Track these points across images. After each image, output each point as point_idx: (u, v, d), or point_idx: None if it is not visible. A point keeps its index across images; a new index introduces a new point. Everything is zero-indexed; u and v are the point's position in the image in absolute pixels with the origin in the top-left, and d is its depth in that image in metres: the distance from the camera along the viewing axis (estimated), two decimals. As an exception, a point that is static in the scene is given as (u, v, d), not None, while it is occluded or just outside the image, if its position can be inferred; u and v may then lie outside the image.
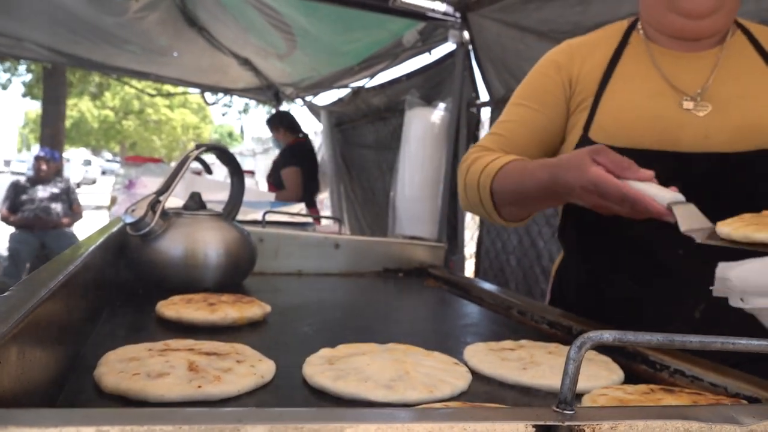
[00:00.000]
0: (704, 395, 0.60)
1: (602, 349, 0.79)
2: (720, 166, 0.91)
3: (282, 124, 4.35)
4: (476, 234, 3.17)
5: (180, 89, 7.28)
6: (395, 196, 3.38)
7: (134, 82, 7.60)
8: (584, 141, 0.97)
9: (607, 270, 1.01)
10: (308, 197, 4.12)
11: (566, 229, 1.10)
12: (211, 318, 0.81)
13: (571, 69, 1.04)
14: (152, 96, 9.54)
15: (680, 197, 0.70)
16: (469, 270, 3.29)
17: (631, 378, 0.71)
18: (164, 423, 0.25)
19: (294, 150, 4.29)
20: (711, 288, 0.75)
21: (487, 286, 1.25)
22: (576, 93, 1.03)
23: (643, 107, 0.96)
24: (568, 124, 1.04)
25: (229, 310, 0.83)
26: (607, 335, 0.30)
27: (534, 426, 0.29)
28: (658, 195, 0.70)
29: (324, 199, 5.99)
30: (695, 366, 0.71)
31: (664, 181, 0.93)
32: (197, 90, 6.58)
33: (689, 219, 0.68)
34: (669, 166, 0.92)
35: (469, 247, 3.37)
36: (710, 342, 0.31)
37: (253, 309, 0.86)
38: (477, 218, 3.14)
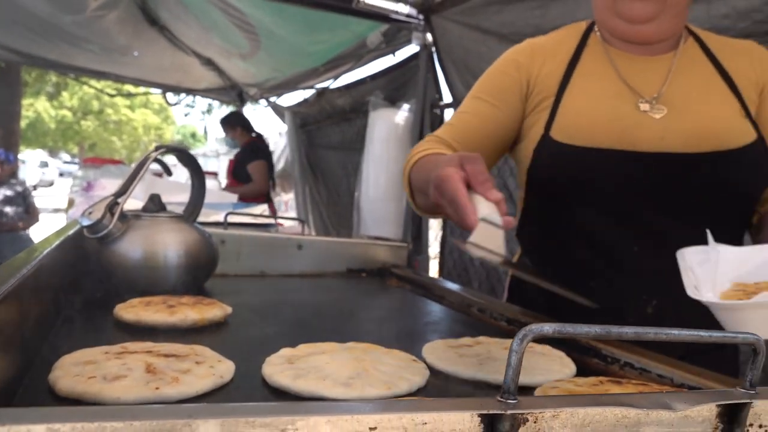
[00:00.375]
0: (650, 386, 0.62)
1: (558, 344, 0.82)
2: (675, 166, 0.94)
3: (239, 123, 4.54)
4: (440, 234, 3.20)
5: (141, 89, 7.15)
6: (360, 196, 3.39)
7: (93, 82, 7.44)
8: (546, 140, 1.00)
9: (563, 268, 1.04)
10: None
11: (524, 228, 1.13)
12: (171, 320, 0.81)
13: (531, 69, 1.06)
14: (112, 96, 9.33)
15: (497, 219, 0.68)
16: (434, 270, 3.32)
17: (584, 371, 0.73)
18: (115, 420, 0.25)
19: (255, 146, 4.46)
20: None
21: (449, 285, 1.27)
22: (535, 93, 1.05)
23: (602, 108, 0.99)
24: (526, 122, 1.07)
25: (189, 312, 0.83)
26: (548, 327, 0.32)
27: (479, 415, 0.31)
28: (481, 210, 0.69)
29: (289, 200, 5.96)
30: (644, 358, 0.73)
31: (623, 180, 0.95)
32: (159, 90, 6.47)
33: (485, 236, 0.67)
34: (627, 164, 0.95)
35: (434, 248, 3.41)
36: (644, 333, 0.33)
37: (214, 310, 0.86)
38: (441, 218, 3.17)
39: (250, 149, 4.40)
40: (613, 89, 1.00)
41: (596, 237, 1.00)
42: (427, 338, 0.87)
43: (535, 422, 0.33)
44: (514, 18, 2.40)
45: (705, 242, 0.82)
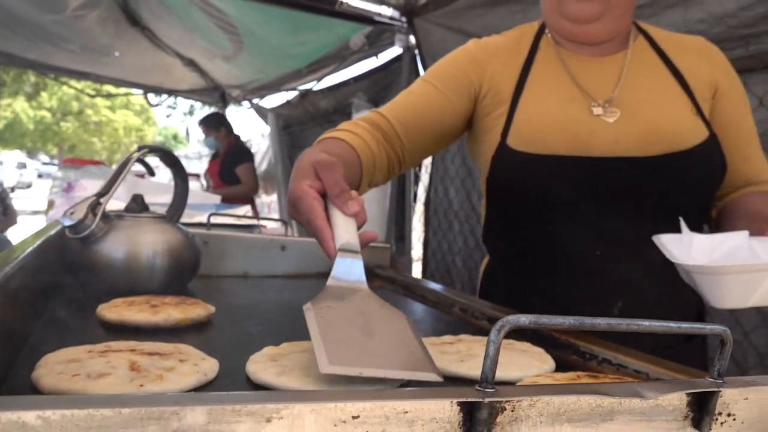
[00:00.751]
0: (626, 380, 0.64)
1: (537, 341, 0.83)
2: (630, 170, 0.96)
3: (223, 124, 4.52)
4: (423, 236, 3.22)
5: (122, 90, 7.08)
6: (343, 198, 3.39)
7: (73, 82, 7.34)
8: (502, 148, 1.01)
9: (530, 272, 1.05)
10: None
11: (489, 232, 1.14)
12: (154, 319, 0.81)
13: (486, 66, 1.06)
14: (92, 96, 9.22)
15: (354, 245, 0.65)
16: (417, 271, 3.34)
17: (563, 367, 0.74)
18: (104, 407, 0.26)
19: (240, 148, 4.50)
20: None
21: (431, 285, 1.28)
22: (489, 95, 1.05)
23: (556, 113, 0.99)
24: (481, 125, 1.07)
25: (172, 311, 0.83)
26: (524, 318, 0.33)
27: (458, 404, 0.32)
28: (340, 235, 0.65)
29: (271, 202, 5.94)
30: (620, 354, 0.75)
31: (580, 186, 0.97)
32: (140, 91, 6.42)
33: (345, 269, 0.65)
34: (584, 171, 0.97)
35: (417, 249, 3.42)
36: (617, 324, 0.34)
37: (197, 310, 0.86)
38: (424, 220, 3.19)
39: (236, 151, 4.40)
40: (567, 94, 1.01)
41: (559, 242, 1.00)
42: (410, 336, 0.88)
43: (512, 411, 0.34)
44: (497, 21, 2.42)
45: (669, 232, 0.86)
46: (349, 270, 0.64)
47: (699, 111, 1.00)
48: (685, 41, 1.08)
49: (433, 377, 0.52)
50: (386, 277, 1.39)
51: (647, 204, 0.96)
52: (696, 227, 1.02)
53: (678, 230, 0.87)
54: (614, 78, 1.02)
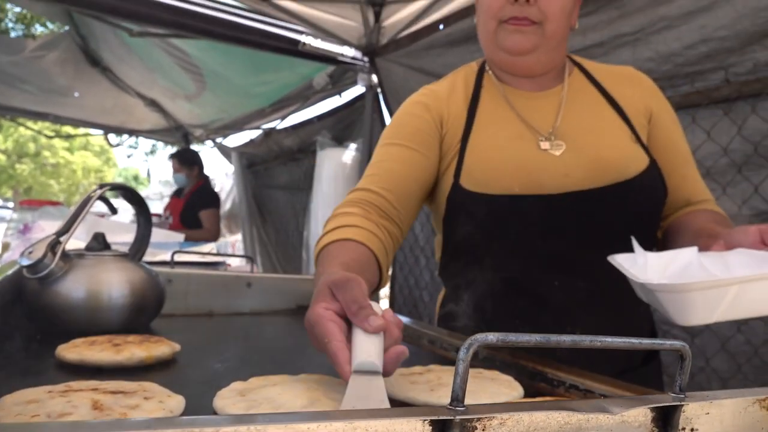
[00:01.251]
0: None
1: (506, 369, 0.84)
2: (581, 202, 0.99)
3: (197, 163, 4.39)
4: (390, 271, 3.22)
5: (81, 130, 6.98)
6: (309, 235, 3.39)
7: (30, 123, 7.20)
8: (456, 189, 1.03)
9: (488, 305, 1.05)
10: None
11: (445, 269, 1.14)
12: (117, 358, 0.79)
13: (439, 108, 1.08)
14: (50, 138, 9.05)
15: (373, 364, 0.57)
16: (385, 306, 3.33)
17: (532, 394, 0.75)
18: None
19: (207, 191, 4.41)
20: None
21: (400, 318, 1.28)
22: (447, 134, 1.07)
23: (506, 151, 1.02)
24: (440, 167, 1.08)
25: (135, 349, 0.81)
26: (492, 336, 0.34)
27: (430, 422, 0.32)
28: (356, 355, 0.59)
29: (236, 242, 5.87)
30: (587, 379, 0.76)
31: (534, 222, 0.99)
32: (100, 131, 6.34)
33: (358, 393, 0.55)
34: (537, 207, 0.99)
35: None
36: (580, 340, 0.35)
37: (162, 348, 0.84)
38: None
39: (204, 193, 4.31)
40: (514, 131, 1.04)
41: (516, 276, 1.02)
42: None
43: (483, 429, 0.34)
44: (456, 60, 2.49)
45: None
46: (367, 393, 0.55)
47: (638, 139, 1.05)
48: (616, 71, 1.14)
49: None
50: (354, 311, 1.39)
51: (599, 233, 0.99)
52: (646, 249, 1.06)
53: (630, 249, 0.90)
54: (555, 110, 1.06)
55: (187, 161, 4.35)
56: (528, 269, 1.01)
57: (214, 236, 4.13)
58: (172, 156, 4.50)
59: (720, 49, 1.64)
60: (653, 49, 1.76)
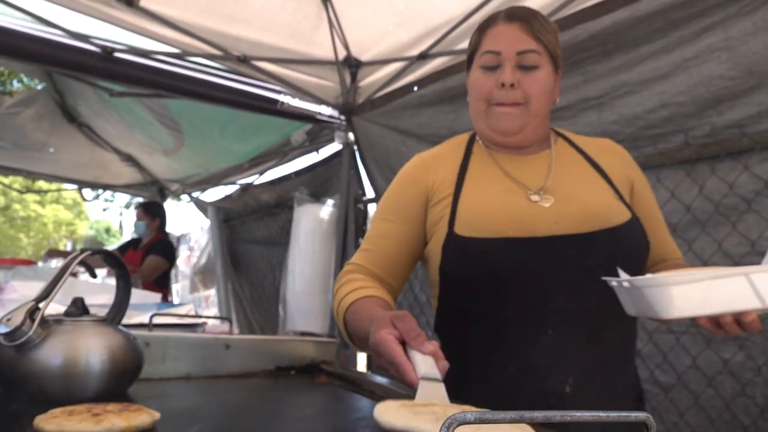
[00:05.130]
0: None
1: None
2: (571, 246, 1.05)
3: (159, 216, 4.42)
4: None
5: (54, 185, 6.93)
6: (286, 291, 3.38)
7: (0, 177, 7.13)
8: (451, 236, 1.09)
9: (481, 356, 1.09)
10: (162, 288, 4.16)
11: (442, 324, 1.19)
12: (97, 429, 0.78)
13: (426, 180, 1.18)
14: (22, 193, 8.94)
15: (435, 374, 0.77)
16: (363, 362, 3.30)
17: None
18: None
19: (165, 243, 4.40)
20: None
21: (378, 379, 1.29)
22: (434, 196, 1.16)
23: (497, 201, 1.09)
24: (429, 221, 1.16)
25: (115, 419, 0.81)
26: (469, 415, 0.36)
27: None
28: (420, 367, 0.78)
29: (210, 296, 5.81)
30: (563, 442, 0.78)
31: (527, 264, 1.04)
32: (74, 186, 6.30)
33: (428, 393, 0.75)
34: (530, 249, 1.05)
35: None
36: (552, 416, 0.38)
37: (142, 417, 0.84)
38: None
39: (163, 245, 4.32)
40: (504, 186, 1.12)
41: (512, 324, 1.06)
42: (359, 434, 0.88)
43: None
44: (430, 120, 2.58)
45: (612, 310, 0.95)
46: (433, 392, 0.73)
47: (621, 197, 1.13)
48: (596, 142, 1.24)
49: None
50: (332, 372, 1.39)
51: (588, 278, 1.04)
52: None
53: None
54: (544, 171, 1.14)
55: (150, 211, 4.40)
56: (522, 317, 1.06)
57: (145, 278, 4.00)
58: (139, 205, 4.58)
59: (679, 113, 1.74)
60: (617, 113, 1.86)
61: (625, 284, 0.89)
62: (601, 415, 0.40)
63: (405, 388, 1.14)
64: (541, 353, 1.04)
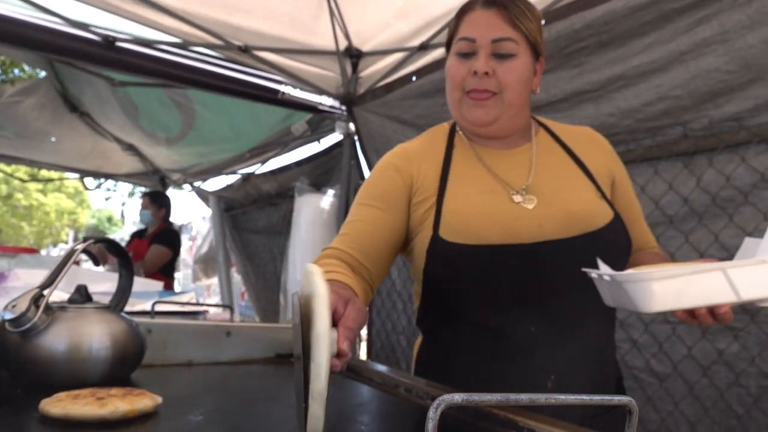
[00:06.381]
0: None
1: (477, 418, 0.87)
2: (554, 251, 1.05)
3: (165, 206, 4.43)
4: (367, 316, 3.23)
5: (56, 174, 6.94)
6: (286, 280, 3.41)
7: (2, 166, 7.15)
8: (435, 240, 1.08)
9: (464, 353, 1.10)
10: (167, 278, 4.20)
11: (423, 317, 1.19)
12: (101, 412, 0.80)
13: (410, 170, 1.15)
14: (24, 182, 8.96)
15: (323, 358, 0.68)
16: (363, 351, 3.33)
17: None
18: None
19: (170, 232, 4.41)
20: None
21: (377, 366, 1.31)
22: (418, 193, 1.13)
23: (481, 205, 1.08)
24: (414, 220, 1.14)
25: (119, 403, 0.83)
26: (457, 397, 0.38)
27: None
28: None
29: (212, 285, 5.84)
30: (556, 428, 0.80)
31: (511, 270, 1.04)
32: (76, 175, 6.31)
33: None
34: (513, 256, 1.05)
35: (362, 329, 3.42)
36: (536, 398, 0.40)
37: (144, 401, 0.86)
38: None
39: (167, 235, 4.34)
40: (487, 186, 1.11)
41: (494, 323, 1.06)
42: (356, 419, 0.91)
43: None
44: (428, 111, 2.59)
45: (592, 309, 0.95)
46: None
47: (603, 195, 1.13)
48: (577, 131, 1.23)
49: None
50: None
51: (571, 281, 1.04)
52: None
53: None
54: (526, 167, 1.13)
55: (156, 201, 4.42)
56: (504, 316, 1.06)
57: (149, 270, 4.01)
58: (145, 194, 4.60)
59: (676, 106, 1.74)
60: (615, 106, 1.87)
61: (606, 278, 0.90)
62: (585, 398, 0.42)
63: (402, 375, 1.16)
64: (522, 351, 1.05)
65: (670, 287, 0.83)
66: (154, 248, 4.15)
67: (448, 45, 1.17)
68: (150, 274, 3.82)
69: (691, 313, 0.88)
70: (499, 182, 1.11)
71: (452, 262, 1.06)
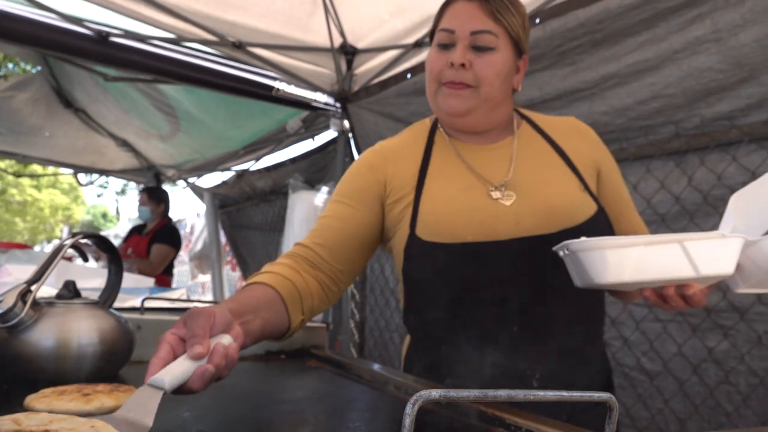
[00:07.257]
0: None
1: (463, 414, 0.87)
2: (532, 248, 1.03)
3: (164, 201, 4.40)
4: (359, 315, 3.23)
5: (50, 170, 6.91)
6: (280, 277, 3.39)
7: (-4, 161, 7.12)
8: (412, 239, 1.07)
9: (450, 352, 1.09)
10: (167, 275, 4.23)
11: (408, 315, 1.18)
12: (87, 408, 0.80)
13: (385, 169, 1.14)
14: (17, 176, 8.91)
15: (164, 383, 0.71)
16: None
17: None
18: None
19: (170, 229, 4.38)
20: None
21: (367, 364, 1.31)
22: (393, 192, 1.12)
23: (458, 202, 1.07)
24: (391, 219, 1.13)
25: (105, 399, 0.82)
26: (435, 393, 0.38)
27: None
28: (161, 372, 0.73)
29: (206, 282, 5.82)
30: (541, 424, 0.80)
31: (488, 268, 1.03)
32: (70, 170, 6.28)
33: (136, 402, 0.70)
34: (491, 254, 1.03)
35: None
36: (515, 394, 0.40)
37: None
38: (360, 298, 3.22)
39: (167, 232, 4.31)
40: (465, 182, 1.09)
41: (476, 322, 1.05)
42: (346, 416, 0.90)
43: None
44: (422, 108, 2.59)
45: (574, 306, 0.94)
46: (143, 404, 0.69)
47: (586, 187, 1.10)
48: (561, 123, 1.20)
49: None
50: (322, 357, 1.41)
51: (551, 278, 1.03)
52: (597, 293, 1.10)
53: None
54: (506, 162, 1.11)
55: (155, 196, 4.39)
56: (486, 315, 1.05)
57: (154, 271, 4.00)
58: (143, 190, 4.57)
59: (669, 105, 1.74)
60: (608, 104, 1.87)
61: (566, 251, 0.87)
62: (565, 395, 0.41)
63: (392, 372, 1.17)
64: (506, 349, 1.04)
65: (625, 257, 0.79)
66: (157, 248, 4.12)
67: (431, 37, 1.16)
68: (156, 275, 3.81)
69: (662, 296, 0.85)
70: (478, 178, 1.09)
71: (429, 262, 1.05)
